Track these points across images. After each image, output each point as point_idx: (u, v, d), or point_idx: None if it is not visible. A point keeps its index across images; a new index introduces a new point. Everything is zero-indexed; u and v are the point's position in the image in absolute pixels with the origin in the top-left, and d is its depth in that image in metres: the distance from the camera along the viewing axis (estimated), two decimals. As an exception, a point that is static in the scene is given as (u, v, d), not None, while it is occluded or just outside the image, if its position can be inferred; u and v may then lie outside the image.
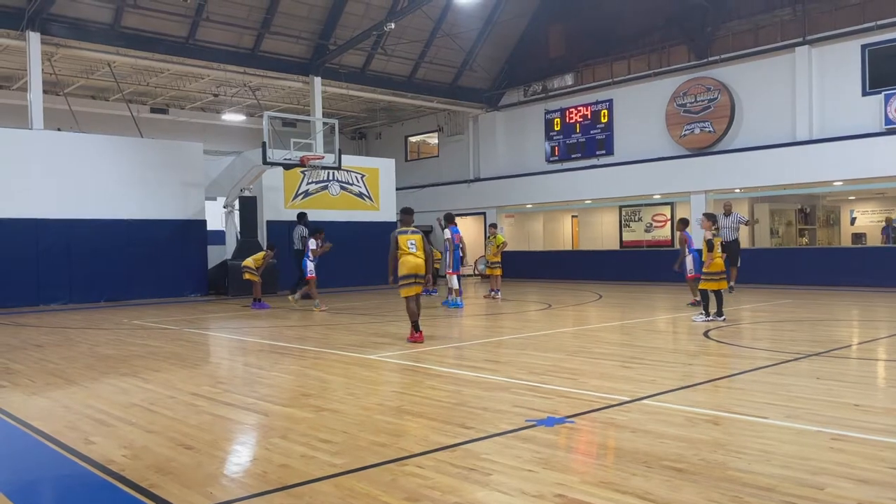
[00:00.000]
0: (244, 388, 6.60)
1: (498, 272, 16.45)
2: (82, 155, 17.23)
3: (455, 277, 14.24)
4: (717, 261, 10.68)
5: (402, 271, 9.11)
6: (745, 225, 16.52)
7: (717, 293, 10.81)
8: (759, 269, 19.04)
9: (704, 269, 10.79)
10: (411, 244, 9.27)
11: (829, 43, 18.37)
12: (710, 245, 10.72)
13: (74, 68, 20.27)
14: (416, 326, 9.19)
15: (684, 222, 13.70)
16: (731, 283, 15.85)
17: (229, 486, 3.84)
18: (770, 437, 4.44)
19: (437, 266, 17.12)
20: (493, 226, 17.87)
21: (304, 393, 6.20)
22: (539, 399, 5.65)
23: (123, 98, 21.75)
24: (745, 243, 21.00)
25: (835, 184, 18.78)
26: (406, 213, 10.00)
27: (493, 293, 16.05)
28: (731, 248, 15.85)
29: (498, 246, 16.39)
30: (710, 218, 11.06)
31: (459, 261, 14.44)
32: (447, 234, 14.24)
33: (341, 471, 3.94)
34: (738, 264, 15.97)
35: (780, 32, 19.24)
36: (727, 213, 16.09)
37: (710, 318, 10.71)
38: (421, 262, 9.16)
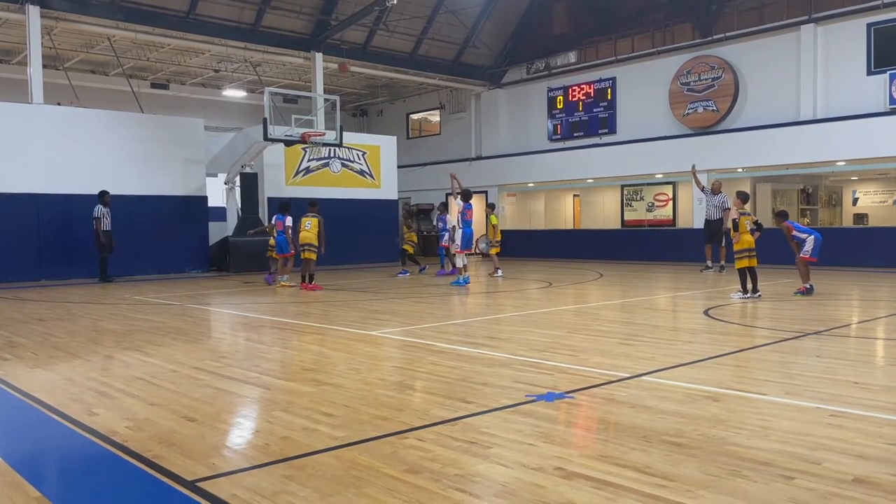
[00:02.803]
0: (246, 362, 6.63)
1: (493, 251, 16.63)
2: (83, 130, 17.17)
3: (461, 256, 14.12)
4: (745, 237, 10.79)
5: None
6: (756, 228, 16.14)
7: (752, 270, 10.90)
8: (760, 248, 18.99)
9: (735, 247, 10.91)
10: (308, 224, 13.61)
11: (835, 21, 18.20)
12: (735, 224, 10.89)
13: (74, 42, 20.14)
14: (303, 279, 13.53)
15: (784, 214, 12.40)
16: (721, 262, 16.07)
17: (231, 457, 3.87)
18: (769, 413, 4.46)
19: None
20: (491, 206, 17.95)
21: (305, 368, 6.23)
22: (539, 375, 5.68)
23: (124, 73, 21.62)
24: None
25: (838, 164, 18.71)
26: (312, 205, 14.14)
27: (496, 272, 16.15)
28: (710, 227, 16.19)
29: (494, 226, 16.49)
30: (742, 196, 11.13)
31: (469, 239, 14.18)
32: (459, 206, 13.97)
33: (343, 443, 3.97)
34: (723, 244, 15.89)
35: (785, 10, 19.05)
36: (714, 192, 16.23)
37: (749, 296, 10.84)
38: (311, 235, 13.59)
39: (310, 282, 13.70)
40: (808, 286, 11.38)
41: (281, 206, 14.88)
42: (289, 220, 14.36)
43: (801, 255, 11.39)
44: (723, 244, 15.95)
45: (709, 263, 16.41)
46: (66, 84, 19.51)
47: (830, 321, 8.78)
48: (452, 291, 13.08)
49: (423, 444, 3.91)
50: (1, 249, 15.80)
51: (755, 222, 11.08)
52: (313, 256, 13.78)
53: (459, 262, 13.90)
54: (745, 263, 10.90)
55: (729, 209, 15.68)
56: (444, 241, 16.77)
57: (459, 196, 14.30)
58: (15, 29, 18.26)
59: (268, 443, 4.04)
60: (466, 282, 13.83)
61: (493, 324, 9.01)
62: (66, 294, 13.58)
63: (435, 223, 15.78)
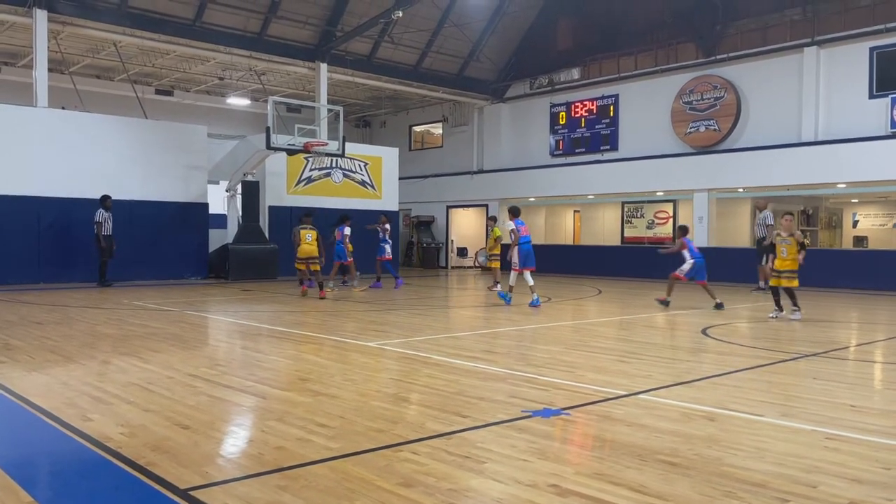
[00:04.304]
0: (242, 370, 6.61)
1: (495, 265, 16.39)
2: (86, 134, 17.22)
3: (514, 275, 12.94)
4: (780, 259, 10.76)
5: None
6: (796, 240, 15.87)
7: (785, 290, 10.84)
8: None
9: (775, 266, 10.87)
10: (308, 237, 14.13)
11: (838, 44, 18.30)
12: (772, 246, 10.99)
13: (80, 47, 20.23)
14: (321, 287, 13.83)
15: (684, 230, 13.22)
16: (760, 283, 15.81)
17: (225, 466, 3.86)
18: (765, 434, 4.45)
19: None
20: (492, 218, 17.92)
21: (301, 377, 6.22)
22: (536, 391, 5.67)
23: (129, 78, 21.70)
24: (745, 241, 21.09)
25: (839, 186, 18.76)
26: (307, 216, 14.75)
27: (494, 285, 16.10)
28: (759, 245, 15.87)
29: (496, 239, 16.41)
30: (790, 219, 11.09)
31: (525, 257, 12.80)
32: (510, 225, 12.94)
33: (337, 454, 3.95)
34: (763, 263, 15.35)
35: (788, 32, 19.16)
36: (759, 209, 16.12)
37: (775, 314, 10.92)
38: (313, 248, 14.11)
39: (321, 288, 13.98)
40: (667, 299, 12.49)
41: (340, 217, 16.32)
42: (347, 230, 15.78)
43: (677, 272, 12.40)
44: (761, 263, 15.58)
45: (760, 284, 15.97)
46: (71, 88, 19.58)
47: (829, 343, 8.77)
48: (438, 305, 13.04)
49: (417, 458, 3.90)
50: (1, 251, 15.80)
51: (800, 243, 10.79)
52: (318, 268, 14.23)
53: (512, 281, 12.98)
54: (773, 282, 10.94)
55: (771, 225, 15.76)
56: (387, 255, 16.77)
57: (509, 213, 13.30)
58: (22, 32, 18.35)
59: (262, 452, 4.03)
60: (509, 301, 12.86)
61: (490, 338, 9.00)
62: (65, 297, 13.57)
63: (331, 236, 15.79)
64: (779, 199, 21.22)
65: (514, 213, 13.18)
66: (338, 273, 16.43)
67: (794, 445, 4.22)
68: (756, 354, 7.72)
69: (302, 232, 14.33)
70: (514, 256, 12.69)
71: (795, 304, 10.89)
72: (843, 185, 18.60)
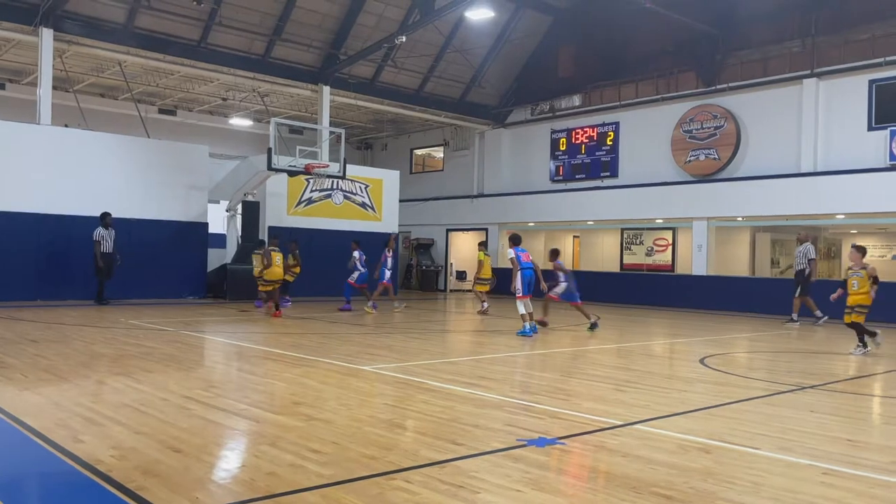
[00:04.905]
0: (236, 393, 6.58)
1: (482, 288, 16.99)
2: (88, 152, 17.29)
3: (521, 302, 12.16)
4: (852, 293, 10.37)
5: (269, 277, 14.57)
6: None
7: (853, 325, 10.51)
8: (758, 298, 19.03)
9: (847, 302, 10.43)
10: (278, 259, 14.65)
11: (837, 77, 18.44)
12: (845, 282, 10.61)
13: (85, 66, 20.38)
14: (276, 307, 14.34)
15: (555, 253, 13.76)
16: (794, 316, 15.38)
17: (216, 491, 3.82)
18: (761, 468, 4.41)
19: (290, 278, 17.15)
20: (482, 244, 18.07)
21: (296, 401, 6.18)
22: (531, 419, 5.63)
23: (132, 98, 21.84)
24: (744, 270, 21.09)
25: (837, 217, 18.79)
26: (275, 238, 15.91)
27: (485, 310, 16.25)
28: (798, 277, 15.44)
29: (480, 262, 16.98)
30: (860, 250, 10.64)
31: (528, 284, 12.27)
32: (511, 253, 12.49)
33: (329, 482, 3.92)
34: (797, 294, 15.35)
35: (788, 64, 19.32)
36: (800, 242, 15.83)
37: (859, 349, 10.49)
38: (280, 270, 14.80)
39: (277, 308, 14.39)
40: (544, 320, 12.89)
41: (385, 242, 17.14)
42: (389, 253, 16.61)
43: (551, 293, 12.84)
44: (798, 295, 15.30)
45: (793, 316, 15.56)
46: (75, 106, 19.69)
47: (826, 375, 8.74)
48: (435, 329, 13.00)
49: (410, 486, 3.86)
50: (-1, 267, 15.78)
51: (872, 277, 10.34)
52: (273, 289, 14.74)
53: (522, 309, 12.10)
54: (849, 318, 10.45)
55: (813, 259, 15.46)
56: (352, 279, 16.47)
57: (510, 241, 12.90)
58: (27, 50, 18.49)
59: (253, 478, 3.99)
60: (534, 330, 12.10)
61: (486, 363, 8.96)
62: (62, 315, 13.53)
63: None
64: (778, 228, 21.28)
65: (515, 241, 12.75)
66: (381, 293, 16.88)
67: (789, 480, 4.18)
68: (753, 385, 7.68)
69: (273, 254, 14.64)
70: (518, 283, 12.11)
71: (862, 341, 10.49)
72: (842, 216, 18.64)
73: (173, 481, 3.87)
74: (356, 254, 16.39)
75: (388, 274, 16.68)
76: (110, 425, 5.10)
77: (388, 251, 16.92)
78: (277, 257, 14.74)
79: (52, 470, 4.20)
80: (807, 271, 15.36)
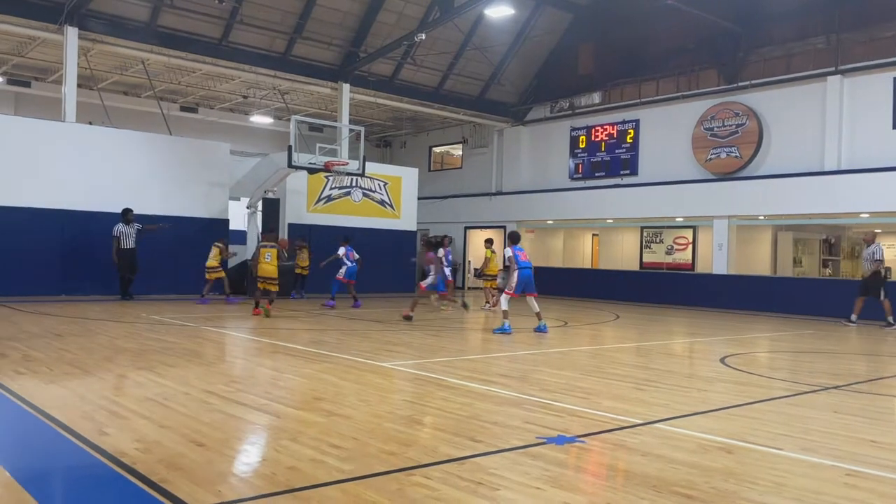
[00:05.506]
0: (257, 388, 6.64)
1: (490, 284, 17.42)
2: (111, 149, 17.49)
3: (507, 299, 12.13)
4: None
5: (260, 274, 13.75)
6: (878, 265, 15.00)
7: None
8: (779, 298, 18.85)
9: None
10: (268, 256, 13.69)
11: (861, 74, 18.19)
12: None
13: (109, 64, 20.62)
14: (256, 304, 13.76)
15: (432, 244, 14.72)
16: (890, 319, 14.86)
17: (238, 485, 3.86)
18: (783, 468, 4.38)
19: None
20: (489, 241, 18.00)
21: (316, 397, 6.22)
22: (551, 417, 5.63)
23: (155, 95, 22.06)
24: (765, 269, 20.86)
25: (861, 216, 18.55)
26: (270, 231, 15.07)
27: (492, 304, 16.35)
28: (867, 282, 15.08)
29: (487, 259, 17.31)
30: None
31: (522, 284, 12.18)
32: (508, 252, 12.33)
33: (349, 477, 3.95)
34: (882, 297, 14.87)
35: (812, 61, 19.09)
36: (868, 243, 15.42)
37: None
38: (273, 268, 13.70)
39: (256, 306, 13.76)
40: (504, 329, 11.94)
41: (435, 243, 16.04)
42: (440, 252, 15.42)
43: (507, 290, 12.20)
44: (880, 297, 14.94)
45: (852, 318, 15.23)
46: (99, 104, 19.92)
47: (849, 376, 8.64)
48: (454, 326, 12.99)
49: (429, 482, 3.88)
50: (24, 263, 16.01)
51: None
52: (275, 288, 13.79)
53: (505, 306, 12.07)
54: None
55: (880, 260, 15.04)
56: (340, 275, 16.56)
57: (508, 239, 12.88)
58: (53, 48, 18.75)
59: (274, 472, 4.03)
60: (508, 330, 11.94)
61: (505, 361, 8.96)
62: (86, 310, 13.71)
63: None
64: (800, 227, 21.04)
65: (514, 239, 12.63)
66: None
67: (812, 481, 4.15)
68: (775, 385, 7.62)
69: (263, 251, 13.75)
70: (512, 281, 12.03)
71: None
72: (866, 215, 18.39)
73: (196, 474, 3.92)
74: (342, 250, 16.51)
75: (448, 272, 16.09)
76: (134, 418, 5.17)
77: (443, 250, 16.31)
78: (268, 254, 13.79)
79: (78, 462, 4.26)
80: (882, 272, 14.97)
